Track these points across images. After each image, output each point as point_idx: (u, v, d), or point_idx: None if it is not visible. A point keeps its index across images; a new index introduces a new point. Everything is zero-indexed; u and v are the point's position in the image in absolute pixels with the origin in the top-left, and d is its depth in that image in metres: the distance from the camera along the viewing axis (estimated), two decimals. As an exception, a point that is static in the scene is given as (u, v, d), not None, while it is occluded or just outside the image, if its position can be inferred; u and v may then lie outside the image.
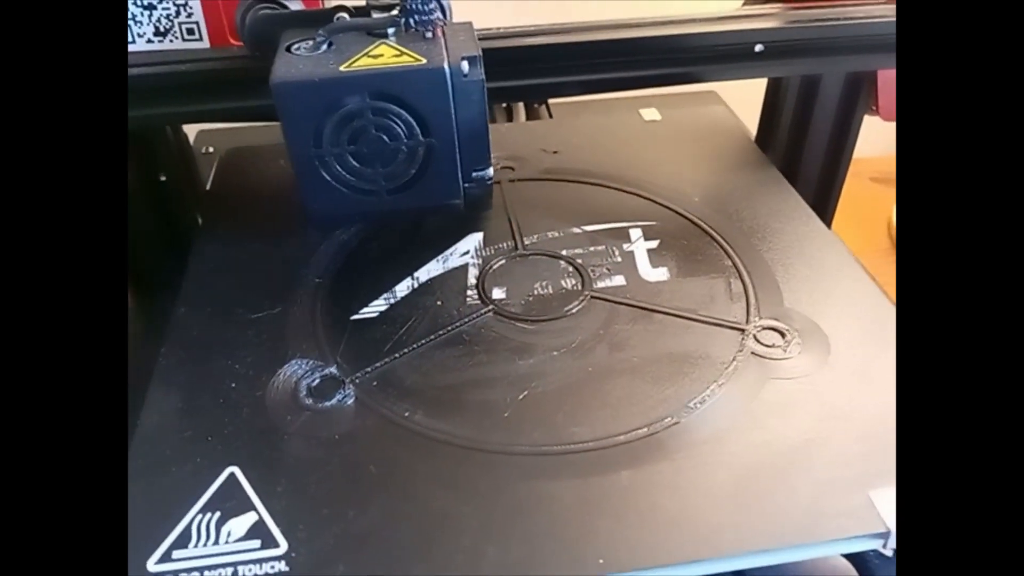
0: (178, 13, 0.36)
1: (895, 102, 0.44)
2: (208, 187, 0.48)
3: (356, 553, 0.25)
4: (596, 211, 0.42)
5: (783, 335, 0.34)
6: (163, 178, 0.45)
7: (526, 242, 0.40)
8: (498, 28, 0.40)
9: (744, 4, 0.46)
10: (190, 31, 0.36)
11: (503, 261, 0.39)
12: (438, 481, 0.28)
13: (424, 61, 0.34)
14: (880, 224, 0.67)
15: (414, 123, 0.35)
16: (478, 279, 0.38)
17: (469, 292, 0.37)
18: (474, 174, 0.38)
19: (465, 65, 0.34)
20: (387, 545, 0.26)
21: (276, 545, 0.26)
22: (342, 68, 0.34)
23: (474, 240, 0.40)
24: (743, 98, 0.53)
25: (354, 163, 0.36)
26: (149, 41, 0.36)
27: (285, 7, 0.36)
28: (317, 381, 0.32)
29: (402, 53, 0.34)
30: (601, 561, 0.25)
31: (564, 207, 0.43)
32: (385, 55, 0.34)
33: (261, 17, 0.35)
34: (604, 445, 0.29)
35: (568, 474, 0.28)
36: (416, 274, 0.38)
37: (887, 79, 0.44)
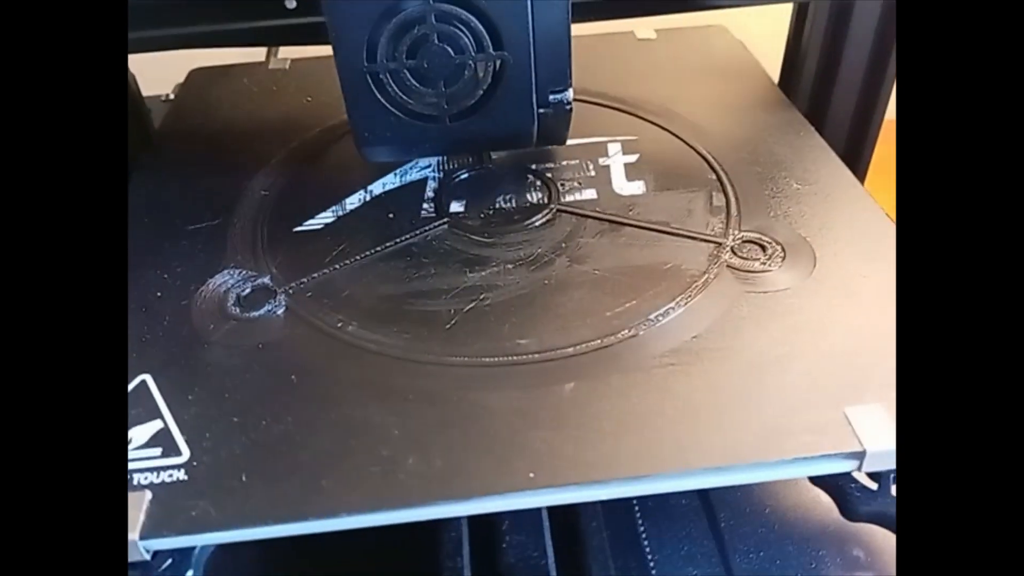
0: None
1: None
2: (167, 98, 0.46)
3: (262, 462, 0.23)
4: (573, 126, 0.39)
5: (764, 248, 0.31)
6: None
7: (494, 155, 0.37)
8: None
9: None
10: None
11: (466, 175, 0.36)
12: (363, 391, 0.25)
13: None
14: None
15: (484, 32, 0.30)
16: (436, 192, 0.35)
17: (425, 205, 0.34)
18: (551, 97, 0.32)
19: None
20: (298, 454, 0.23)
21: (178, 453, 0.24)
22: None
23: (437, 153, 0.37)
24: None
25: (413, 81, 0.30)
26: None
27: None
28: (248, 291, 0.30)
29: None
30: (532, 475, 0.22)
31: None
32: None
33: None
34: (550, 357, 0.26)
35: (506, 385, 0.25)
36: (370, 187, 0.35)
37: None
